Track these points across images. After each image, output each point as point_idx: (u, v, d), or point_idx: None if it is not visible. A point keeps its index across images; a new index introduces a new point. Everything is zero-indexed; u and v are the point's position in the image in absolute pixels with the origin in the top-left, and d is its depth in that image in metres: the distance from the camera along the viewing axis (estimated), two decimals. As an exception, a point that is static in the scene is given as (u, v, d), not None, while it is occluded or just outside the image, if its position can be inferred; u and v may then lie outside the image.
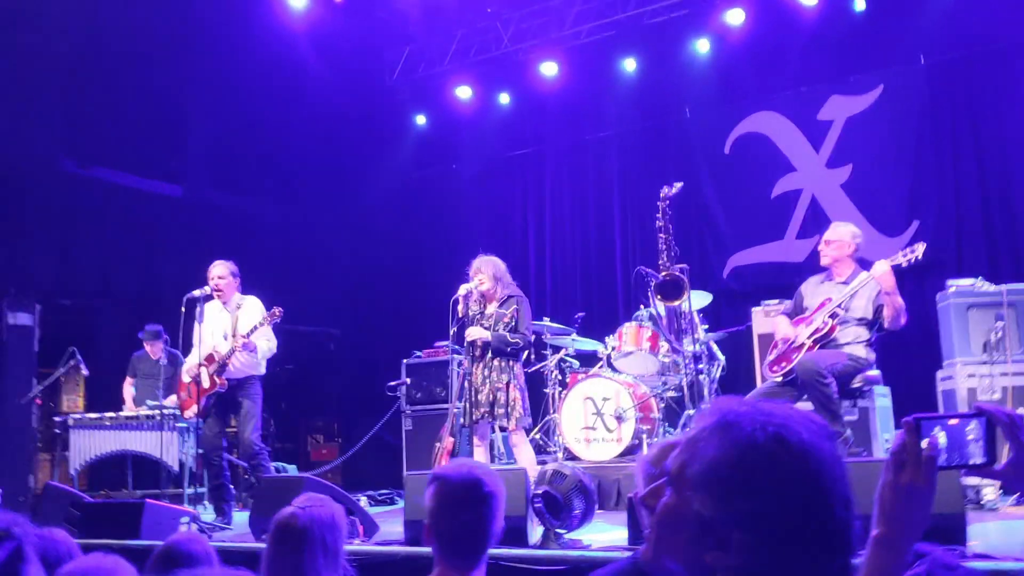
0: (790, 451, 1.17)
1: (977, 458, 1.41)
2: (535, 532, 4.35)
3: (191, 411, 6.26)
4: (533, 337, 7.32)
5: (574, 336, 7.56)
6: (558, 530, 4.23)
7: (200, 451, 7.88)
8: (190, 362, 6.32)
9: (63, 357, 7.73)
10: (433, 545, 2.40)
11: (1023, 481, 1.45)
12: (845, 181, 8.88)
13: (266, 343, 6.24)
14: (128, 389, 8.45)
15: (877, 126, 8.73)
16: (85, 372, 7.94)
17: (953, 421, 1.41)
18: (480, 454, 5.82)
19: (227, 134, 10.15)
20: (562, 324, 7.64)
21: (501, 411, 5.71)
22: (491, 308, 5.92)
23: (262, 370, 6.39)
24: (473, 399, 5.77)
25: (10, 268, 8.60)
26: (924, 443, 1.37)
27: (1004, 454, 1.45)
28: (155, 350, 8.30)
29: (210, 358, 6.18)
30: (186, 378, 6.32)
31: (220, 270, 6.35)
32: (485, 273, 5.89)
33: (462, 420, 5.91)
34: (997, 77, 8.29)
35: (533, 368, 7.47)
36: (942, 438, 1.40)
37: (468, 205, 11.04)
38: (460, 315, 5.91)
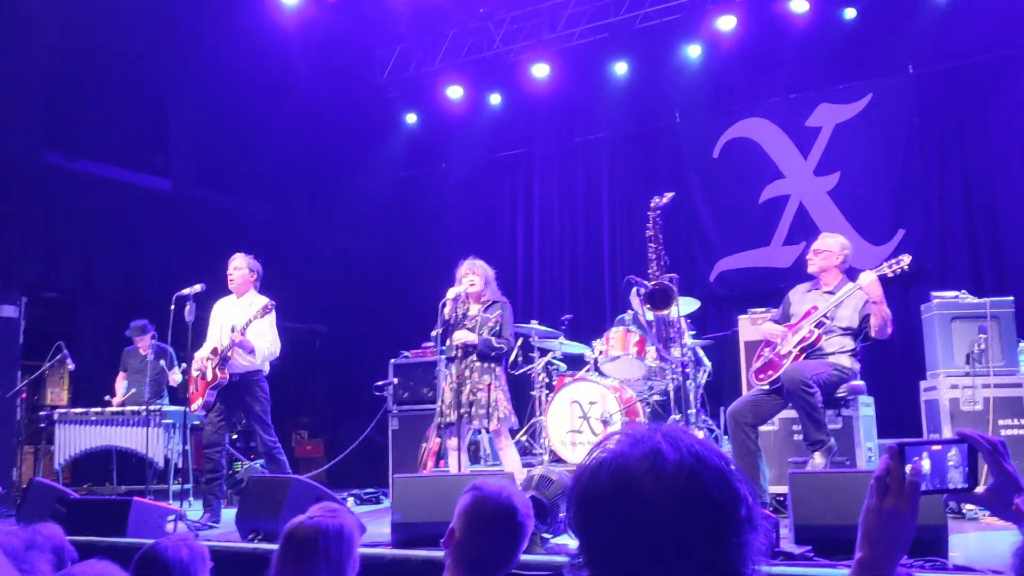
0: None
1: (958, 483, 1.45)
2: (521, 536, 4.37)
3: (197, 404, 6.24)
4: (520, 341, 7.36)
5: (561, 339, 7.59)
6: (544, 535, 4.26)
7: (187, 447, 7.90)
8: (199, 356, 6.32)
9: (50, 351, 7.70)
10: (451, 553, 2.38)
11: (1003, 506, 1.49)
12: (832, 188, 8.96)
13: (266, 344, 6.22)
14: (120, 384, 8.43)
15: (865, 134, 8.81)
16: (71, 366, 7.91)
17: (936, 447, 1.45)
18: (454, 456, 5.82)
19: (215, 129, 10.12)
20: (550, 327, 7.67)
21: (482, 411, 5.72)
22: (474, 310, 5.94)
23: (265, 368, 6.38)
24: (455, 400, 5.78)
25: (-5, 260, 8.57)
26: (907, 468, 1.40)
27: (985, 479, 1.49)
28: (143, 345, 8.29)
29: (215, 351, 6.20)
30: (194, 372, 6.33)
31: (237, 261, 6.36)
32: (477, 275, 5.92)
33: (438, 420, 5.91)
34: (985, 89, 8.38)
35: (520, 371, 7.50)
36: (925, 464, 1.43)
37: (457, 205, 11.06)
38: (446, 317, 5.92)
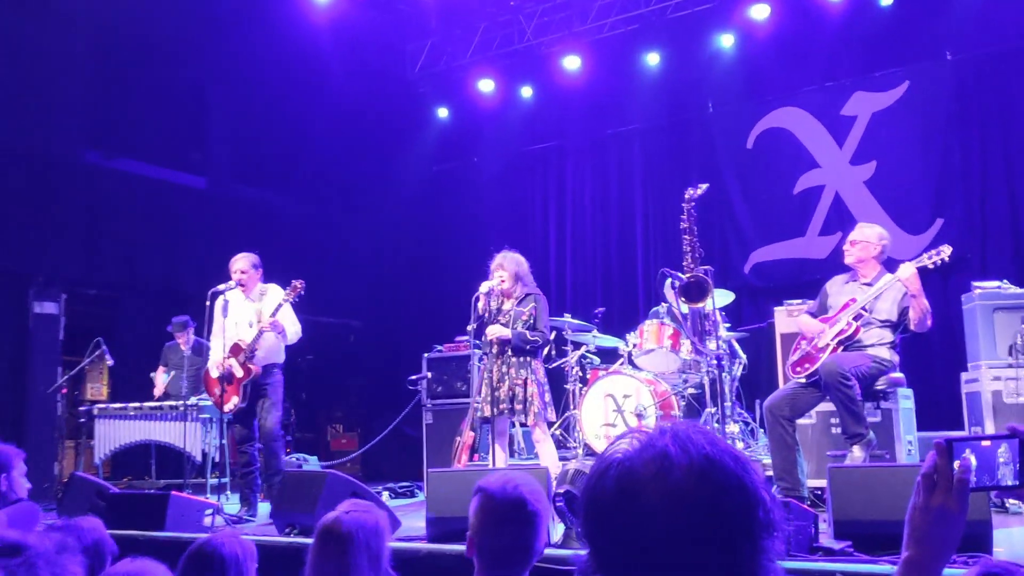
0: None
1: (1008, 480, 1.41)
2: (556, 531, 4.37)
3: (232, 403, 6.27)
4: (553, 334, 7.34)
5: (595, 333, 7.56)
6: (579, 529, 4.25)
7: (224, 442, 7.97)
8: (215, 357, 6.36)
9: (89, 347, 7.81)
10: (475, 558, 2.40)
11: None
12: (869, 178, 8.83)
13: (292, 326, 6.29)
14: (160, 376, 8.53)
15: (902, 123, 8.66)
16: (110, 362, 8.02)
17: (985, 443, 1.41)
18: (499, 451, 5.83)
19: (250, 126, 10.21)
20: (583, 320, 7.64)
21: (520, 407, 5.72)
22: (508, 304, 5.92)
23: (283, 358, 6.44)
24: (492, 395, 5.78)
25: (36, 258, 8.71)
26: (956, 464, 1.37)
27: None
28: (185, 340, 8.39)
29: (236, 348, 6.22)
30: (214, 372, 6.36)
31: (242, 264, 6.38)
32: (507, 271, 5.89)
33: (480, 415, 5.92)
34: (1025, 74, 8.19)
35: (554, 364, 7.48)
36: (973, 460, 1.40)
37: (489, 199, 11.04)
38: (480, 312, 5.92)
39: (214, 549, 2.58)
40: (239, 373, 6.20)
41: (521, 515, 2.39)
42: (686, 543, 1.06)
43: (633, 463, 1.11)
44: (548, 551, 4.14)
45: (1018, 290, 5.67)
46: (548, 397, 5.90)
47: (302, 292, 6.18)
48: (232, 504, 6.65)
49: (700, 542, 1.06)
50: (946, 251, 4.97)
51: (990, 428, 5.41)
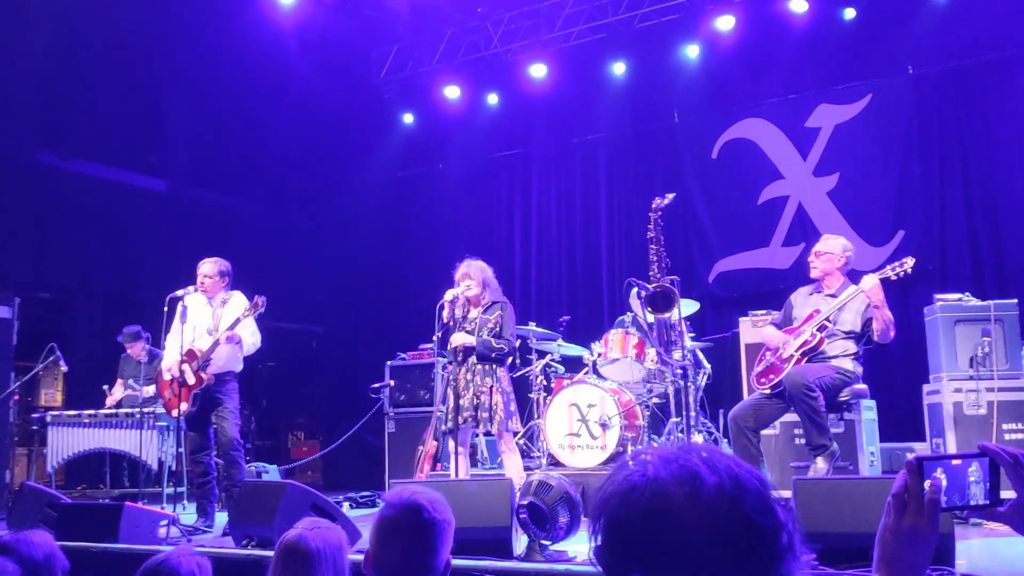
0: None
1: (979, 499, 1.39)
2: (520, 543, 4.32)
3: (179, 410, 6.13)
4: (518, 342, 7.29)
5: (560, 341, 7.52)
6: (543, 541, 4.20)
7: (181, 450, 7.82)
8: (170, 359, 6.21)
9: (43, 352, 7.62)
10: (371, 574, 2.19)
11: None
12: (831, 189, 8.91)
13: (251, 336, 6.15)
14: (118, 389, 8.36)
15: (865, 135, 8.76)
16: (64, 368, 7.82)
17: (956, 461, 1.39)
18: (462, 460, 5.76)
19: (210, 129, 10.05)
20: (547, 329, 7.60)
21: (485, 415, 5.67)
22: (474, 313, 5.87)
23: (240, 367, 6.32)
24: (456, 404, 5.72)
25: (-13, 260, 8.49)
26: (926, 484, 1.34)
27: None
28: (136, 351, 8.22)
29: (191, 354, 6.08)
30: (166, 375, 6.21)
31: (208, 268, 6.25)
32: (474, 279, 5.83)
33: (444, 425, 5.85)
34: (985, 89, 8.34)
35: (518, 373, 7.43)
36: (944, 479, 1.37)
37: (454, 205, 10.99)
38: (445, 320, 5.85)
39: (170, 569, 2.49)
40: (191, 380, 6.06)
41: (415, 523, 2.17)
42: (717, 564, 1.04)
43: (663, 483, 1.08)
44: (512, 564, 4.10)
45: (979, 302, 5.73)
46: (513, 407, 5.85)
47: (262, 309, 6.05)
48: (189, 514, 6.51)
49: (731, 564, 1.04)
50: (909, 263, 5.02)
51: (951, 439, 5.46)
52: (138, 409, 7.65)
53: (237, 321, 6.00)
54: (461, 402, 5.71)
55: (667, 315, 5.57)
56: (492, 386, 5.70)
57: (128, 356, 8.33)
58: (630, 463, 1.13)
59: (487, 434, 5.97)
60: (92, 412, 7.92)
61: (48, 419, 7.96)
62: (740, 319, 6.83)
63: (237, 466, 6.11)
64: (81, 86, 9.04)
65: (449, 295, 5.82)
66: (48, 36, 8.70)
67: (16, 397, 8.30)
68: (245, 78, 9.83)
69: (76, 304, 9.61)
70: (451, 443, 5.76)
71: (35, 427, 8.00)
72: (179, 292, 6.18)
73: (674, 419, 6.32)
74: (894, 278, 5.02)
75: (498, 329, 5.79)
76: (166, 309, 6.16)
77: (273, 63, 9.85)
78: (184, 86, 9.83)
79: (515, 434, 6.04)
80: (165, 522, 5.43)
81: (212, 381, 6.06)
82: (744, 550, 1.05)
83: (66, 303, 9.64)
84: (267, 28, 9.53)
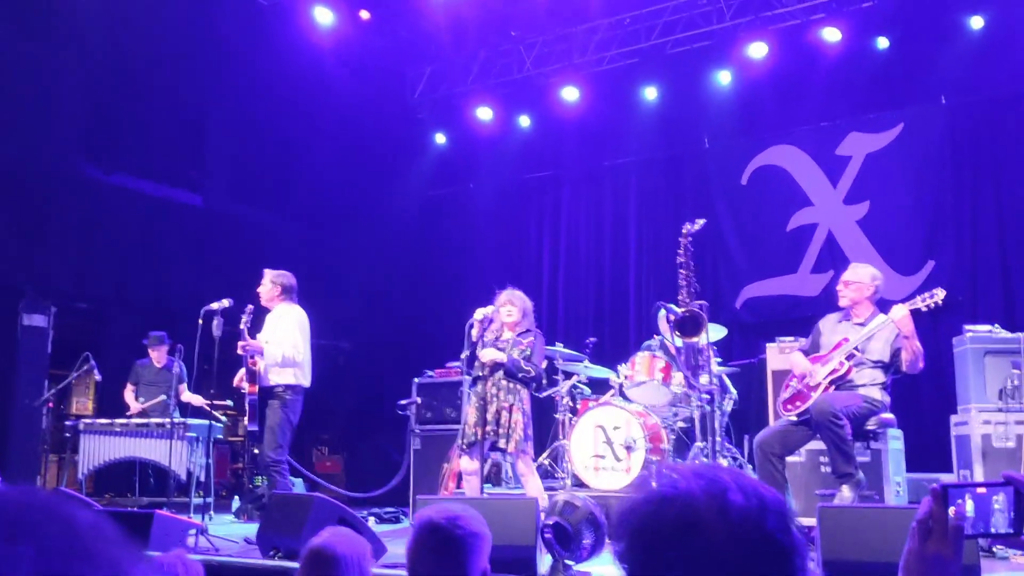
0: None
1: (1003, 528, 1.42)
2: (544, 562, 4.35)
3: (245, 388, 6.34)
4: (545, 364, 7.32)
5: (586, 363, 7.55)
6: (567, 561, 4.22)
7: (209, 460, 7.92)
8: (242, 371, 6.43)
9: (77, 361, 7.76)
10: None
11: None
12: (862, 218, 8.89)
13: (277, 349, 6.22)
14: (129, 395, 8.47)
15: (896, 164, 8.75)
16: (98, 377, 7.98)
17: (981, 490, 1.42)
18: (475, 480, 5.79)
19: (248, 146, 10.22)
20: (574, 350, 7.63)
21: (503, 431, 5.70)
22: (508, 335, 5.95)
23: (293, 380, 6.34)
24: (477, 419, 5.75)
25: (27, 270, 8.67)
26: (951, 511, 1.37)
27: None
28: (159, 356, 8.34)
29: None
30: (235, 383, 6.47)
31: (264, 277, 6.44)
32: (516, 307, 5.92)
33: (461, 440, 5.88)
34: (1019, 121, 8.30)
35: (545, 393, 7.47)
36: (969, 507, 1.40)
37: (484, 226, 11.08)
38: (474, 339, 5.91)
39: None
40: (245, 388, 6.23)
41: (445, 540, 2.23)
42: None
43: (694, 497, 1.12)
44: (535, 583, 4.13)
45: (1009, 334, 5.70)
46: (530, 431, 5.88)
47: (249, 323, 6.18)
48: (215, 524, 6.59)
49: None
50: (940, 294, 5.01)
51: (979, 471, 5.42)
52: (168, 419, 7.77)
53: (241, 332, 6.12)
54: (484, 415, 5.75)
55: (695, 339, 5.60)
56: (513, 404, 5.75)
57: (147, 362, 8.46)
58: (656, 480, 1.19)
59: (501, 450, 5.95)
60: (124, 421, 8.04)
61: (81, 427, 8.09)
62: (767, 345, 6.83)
63: (273, 482, 6.17)
64: (127, 102, 9.24)
65: (479, 314, 5.88)
66: (96, 53, 8.92)
67: (50, 405, 8.45)
68: (284, 97, 10.00)
69: (112, 315, 9.78)
70: (466, 461, 5.80)
71: (67, 434, 8.13)
72: (214, 305, 6.29)
73: (699, 443, 6.33)
74: (924, 309, 5.02)
75: (528, 353, 5.85)
76: (200, 322, 6.27)
77: (311, 83, 10.01)
78: (226, 104, 10.02)
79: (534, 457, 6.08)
80: (194, 531, 5.51)
81: (254, 392, 6.17)
82: (766, 566, 1.09)
83: (102, 313, 9.80)
84: (306, 48, 9.70)
